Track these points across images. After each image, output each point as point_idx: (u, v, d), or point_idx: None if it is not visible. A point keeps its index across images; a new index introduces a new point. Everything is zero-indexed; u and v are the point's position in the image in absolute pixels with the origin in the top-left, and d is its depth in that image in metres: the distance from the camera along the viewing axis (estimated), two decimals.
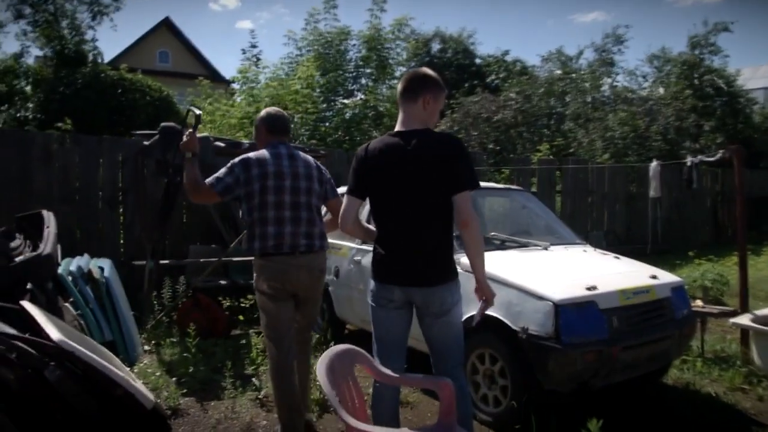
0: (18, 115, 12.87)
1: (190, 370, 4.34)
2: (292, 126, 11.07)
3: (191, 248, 6.58)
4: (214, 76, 20.77)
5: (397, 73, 13.24)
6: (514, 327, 3.42)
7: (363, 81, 13.01)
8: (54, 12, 13.75)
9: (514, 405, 3.41)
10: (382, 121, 12.15)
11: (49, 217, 4.60)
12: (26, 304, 3.05)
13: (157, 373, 4.29)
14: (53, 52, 13.27)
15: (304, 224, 3.22)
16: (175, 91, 14.63)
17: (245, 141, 6.54)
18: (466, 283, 2.80)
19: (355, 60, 12.93)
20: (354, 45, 12.95)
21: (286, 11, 69.09)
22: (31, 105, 12.85)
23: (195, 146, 3.23)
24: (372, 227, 2.87)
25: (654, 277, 3.91)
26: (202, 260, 6.11)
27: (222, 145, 5.95)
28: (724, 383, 4.31)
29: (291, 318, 3.27)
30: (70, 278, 4.44)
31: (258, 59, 13.14)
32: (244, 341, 5.12)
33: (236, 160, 3.23)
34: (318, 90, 12.00)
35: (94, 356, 2.60)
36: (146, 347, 5.00)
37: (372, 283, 2.78)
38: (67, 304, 4.15)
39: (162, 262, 5.78)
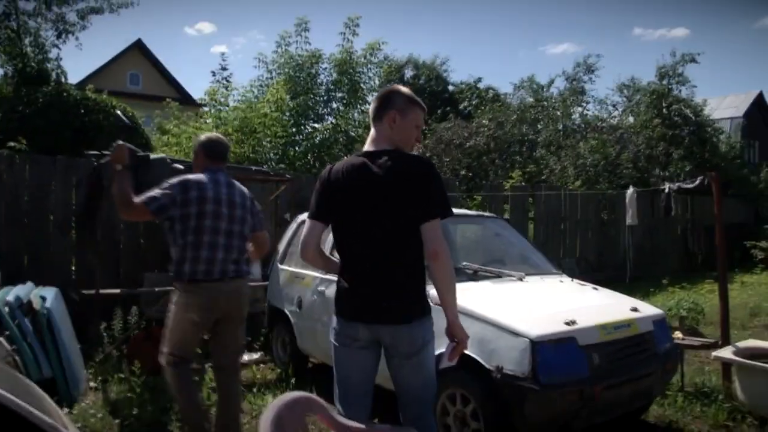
0: None
1: (135, 412, 3.98)
2: (260, 149, 10.80)
3: (146, 276, 6.20)
4: (186, 100, 20.41)
5: (369, 98, 13.09)
6: (487, 366, 3.16)
7: (334, 105, 12.81)
8: (16, 29, 13.33)
9: None
10: (353, 146, 11.92)
11: None
12: None
13: (99, 415, 3.91)
14: (14, 70, 12.84)
15: (235, 252, 3.29)
16: (143, 113, 14.27)
17: None
18: (438, 318, 2.52)
19: (326, 83, 12.73)
20: (325, 68, 12.79)
21: (262, 37, 68.90)
22: None
23: (124, 158, 3.11)
24: (335, 258, 2.60)
25: (635, 309, 3.72)
26: (156, 289, 5.75)
27: (181, 167, 5.64)
28: (707, 421, 4.11)
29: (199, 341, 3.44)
30: (6, 309, 4.06)
31: (228, 82, 12.89)
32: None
33: (174, 180, 3.17)
34: (288, 113, 11.75)
35: (15, 399, 2.27)
36: (92, 383, 4.62)
37: (335, 320, 2.49)
38: (1, 339, 3.81)
39: (109, 291, 5.42)
